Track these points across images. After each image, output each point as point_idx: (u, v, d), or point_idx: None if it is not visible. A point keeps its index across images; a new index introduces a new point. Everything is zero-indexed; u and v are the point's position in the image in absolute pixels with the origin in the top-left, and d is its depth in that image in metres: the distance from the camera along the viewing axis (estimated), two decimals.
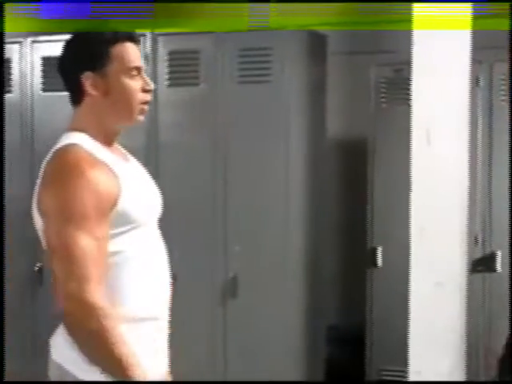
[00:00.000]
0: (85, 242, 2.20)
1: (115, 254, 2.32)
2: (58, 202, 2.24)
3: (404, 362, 3.91)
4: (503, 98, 4.62)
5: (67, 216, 2.21)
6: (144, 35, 4.66)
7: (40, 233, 2.37)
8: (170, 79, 4.63)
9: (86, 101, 2.41)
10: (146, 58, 4.65)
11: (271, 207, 4.21)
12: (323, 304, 4.78)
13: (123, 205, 2.29)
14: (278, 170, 4.30)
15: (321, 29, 4.74)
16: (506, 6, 4.26)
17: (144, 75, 2.44)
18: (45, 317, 4.80)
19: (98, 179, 2.24)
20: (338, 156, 5.50)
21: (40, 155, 4.64)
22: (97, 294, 2.20)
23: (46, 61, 4.87)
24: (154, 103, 4.64)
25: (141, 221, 2.37)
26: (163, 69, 4.63)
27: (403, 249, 3.98)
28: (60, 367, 2.37)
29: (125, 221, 2.31)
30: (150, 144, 4.52)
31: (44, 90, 4.88)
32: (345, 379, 5.15)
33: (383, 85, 4.87)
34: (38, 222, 2.34)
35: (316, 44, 4.57)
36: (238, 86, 4.38)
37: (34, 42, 4.89)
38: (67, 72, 2.44)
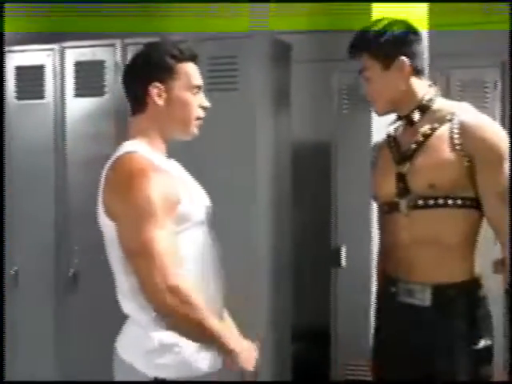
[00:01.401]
0: (162, 237, 2.34)
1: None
2: (130, 205, 2.37)
3: (368, 357, 3.92)
4: None
5: (142, 216, 2.35)
6: (114, 45, 4.67)
7: (108, 236, 2.49)
8: None
9: (149, 110, 2.56)
10: (116, 66, 4.64)
11: (238, 209, 4.20)
12: (289, 303, 4.78)
13: (184, 206, 2.45)
14: (245, 173, 4.29)
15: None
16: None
17: (201, 93, 2.61)
18: (21, 319, 4.79)
19: (162, 182, 2.41)
20: (303, 159, 5.50)
21: (16, 161, 4.68)
22: (181, 281, 2.35)
23: (20, 70, 4.85)
24: (124, 111, 4.63)
25: (196, 220, 2.52)
26: None
27: (366, 248, 3.99)
28: (130, 366, 2.48)
29: (185, 220, 2.46)
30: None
31: (18, 98, 4.85)
32: (311, 375, 5.16)
33: (345, 91, 4.89)
34: (108, 226, 2.46)
35: (280, 52, 4.58)
36: (206, 93, 4.36)
37: (8, 51, 4.85)
38: (135, 80, 2.59)
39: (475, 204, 2.63)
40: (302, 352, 5.19)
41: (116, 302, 2.57)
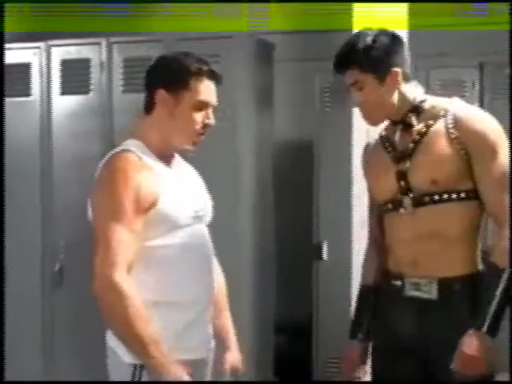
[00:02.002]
0: (121, 232, 2.40)
1: (161, 247, 2.51)
2: (105, 198, 2.47)
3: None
4: None
5: (110, 210, 2.43)
6: (99, 43, 4.67)
7: (89, 217, 2.57)
8: (124, 85, 4.62)
9: (154, 113, 2.60)
10: (101, 65, 4.65)
11: (221, 205, 4.20)
12: (272, 297, 4.81)
13: (163, 206, 2.49)
14: (228, 170, 4.32)
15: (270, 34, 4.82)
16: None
17: (210, 111, 2.62)
18: (8, 313, 4.79)
19: (139, 182, 2.45)
20: (286, 157, 5.53)
21: (10, 158, 4.68)
22: (124, 279, 2.38)
23: (7, 68, 4.84)
24: (109, 109, 4.65)
25: (181, 221, 2.55)
26: (118, 75, 4.62)
27: (347, 243, 4.01)
28: (114, 352, 2.54)
29: (165, 220, 2.50)
30: (105, 150, 4.49)
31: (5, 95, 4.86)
32: (293, 368, 5.18)
33: (327, 90, 4.91)
34: (90, 215, 2.55)
35: (263, 51, 4.60)
36: None
37: None
38: (149, 82, 2.63)
39: (476, 195, 2.62)
40: (285, 345, 5.21)
41: None
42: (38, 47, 4.81)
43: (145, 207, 2.46)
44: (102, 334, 2.63)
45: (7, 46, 4.82)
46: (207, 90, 2.60)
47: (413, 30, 3.95)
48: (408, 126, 2.71)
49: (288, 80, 5.46)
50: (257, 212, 4.50)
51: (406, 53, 2.71)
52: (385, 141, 2.82)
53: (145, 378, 2.45)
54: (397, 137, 2.75)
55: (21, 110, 4.83)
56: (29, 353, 4.84)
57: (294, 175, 5.57)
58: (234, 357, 2.83)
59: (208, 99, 2.61)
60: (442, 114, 2.66)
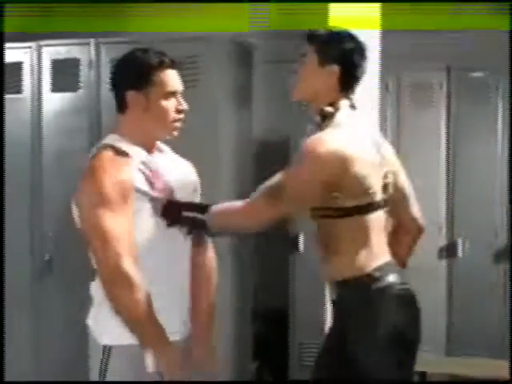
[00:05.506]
0: (112, 220, 2.40)
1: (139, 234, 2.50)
2: (91, 194, 2.45)
3: (321, 336, 3.94)
4: (408, 103, 4.73)
5: (96, 202, 2.42)
6: (88, 44, 4.65)
7: (77, 220, 2.56)
8: None
9: (128, 113, 2.60)
10: (90, 64, 4.64)
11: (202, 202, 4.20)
12: (251, 286, 4.81)
13: (137, 184, 2.49)
14: (209, 168, 4.28)
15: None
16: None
17: (179, 97, 2.63)
18: None
19: (117, 172, 2.46)
20: (264, 153, 5.51)
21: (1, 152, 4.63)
22: (130, 266, 2.39)
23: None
24: (97, 105, 4.63)
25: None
26: (106, 74, 4.59)
27: None
28: (92, 334, 2.58)
29: (141, 196, 2.50)
30: (92, 145, 4.44)
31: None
32: (270, 352, 5.20)
33: None
34: (75, 212, 2.55)
35: (242, 53, 4.59)
36: None
37: None
38: (115, 86, 2.63)
39: (354, 212, 2.66)
40: (263, 330, 5.22)
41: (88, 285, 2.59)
42: (30, 47, 4.79)
43: (127, 194, 2.46)
44: None
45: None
46: (172, 79, 2.61)
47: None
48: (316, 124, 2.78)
49: (266, 80, 5.45)
50: None
51: (361, 70, 2.73)
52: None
53: (112, 359, 2.48)
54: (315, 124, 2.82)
55: (13, 106, 4.80)
56: (18, 341, 4.80)
57: (271, 170, 5.54)
58: (197, 352, 2.80)
59: (175, 88, 2.62)
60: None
